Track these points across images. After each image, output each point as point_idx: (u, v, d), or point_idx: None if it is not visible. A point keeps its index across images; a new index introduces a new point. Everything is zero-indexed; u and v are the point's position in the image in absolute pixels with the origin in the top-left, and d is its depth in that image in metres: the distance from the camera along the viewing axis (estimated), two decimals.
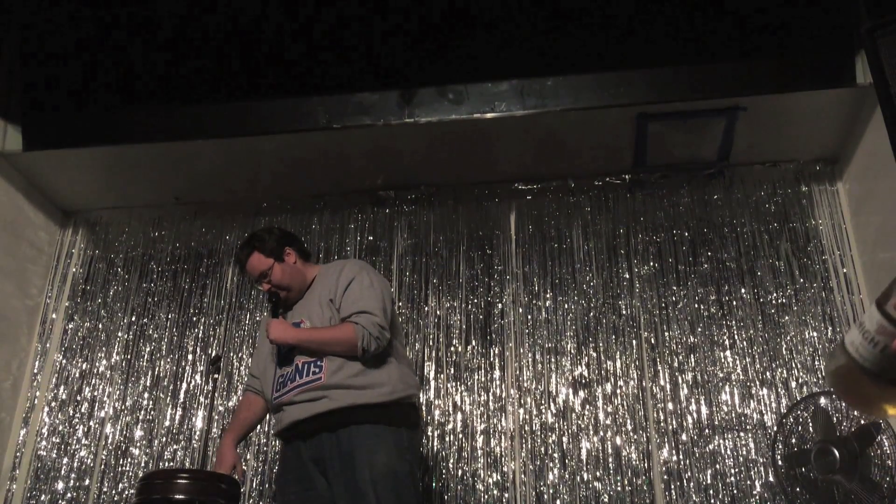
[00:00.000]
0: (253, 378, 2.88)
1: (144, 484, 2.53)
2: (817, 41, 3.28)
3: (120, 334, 3.90)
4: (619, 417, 3.41)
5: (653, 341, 3.55)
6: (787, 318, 3.50)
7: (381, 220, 4.01)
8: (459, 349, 3.64)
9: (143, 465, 3.59)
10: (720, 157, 3.79)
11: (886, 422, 2.81)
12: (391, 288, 3.39)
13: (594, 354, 3.55)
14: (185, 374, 3.77)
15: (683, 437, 3.35)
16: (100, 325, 3.94)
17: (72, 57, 3.63)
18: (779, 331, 3.48)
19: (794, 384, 3.37)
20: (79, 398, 3.77)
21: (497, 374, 3.57)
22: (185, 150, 3.75)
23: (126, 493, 3.53)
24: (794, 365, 3.41)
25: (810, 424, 2.99)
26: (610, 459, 3.34)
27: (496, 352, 3.62)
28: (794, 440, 3.03)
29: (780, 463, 3.05)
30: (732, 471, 3.27)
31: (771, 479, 3.19)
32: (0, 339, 3.71)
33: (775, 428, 3.17)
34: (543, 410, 3.46)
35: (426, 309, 3.74)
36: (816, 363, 3.39)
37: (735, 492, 3.23)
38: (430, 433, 3.47)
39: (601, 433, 3.39)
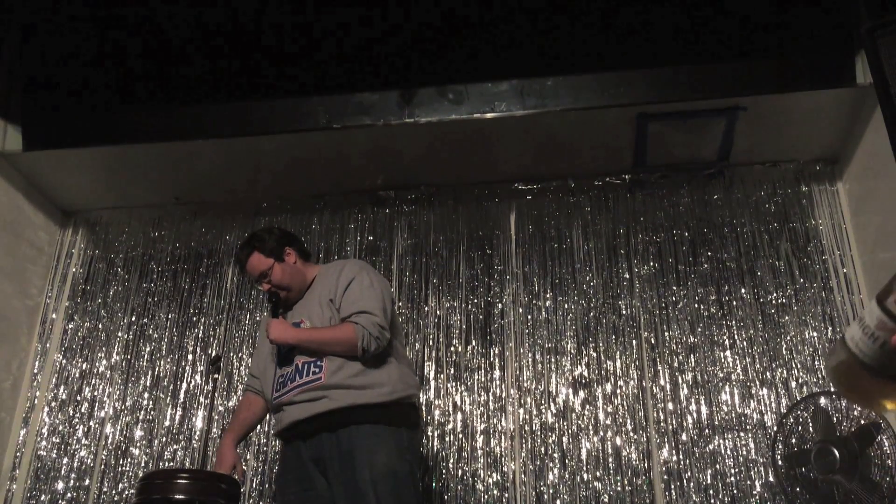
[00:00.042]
0: (253, 378, 2.88)
1: (144, 484, 2.53)
2: (817, 41, 3.28)
3: (120, 334, 3.90)
4: (619, 417, 3.41)
5: (653, 341, 3.55)
6: (787, 318, 3.50)
7: (381, 220, 4.01)
8: (459, 349, 3.64)
9: (143, 465, 3.59)
10: (720, 157, 3.79)
11: (886, 422, 2.82)
12: (391, 288, 3.39)
13: (594, 354, 3.55)
14: (185, 374, 3.77)
15: (683, 437, 3.35)
16: (100, 325, 3.94)
17: (72, 57, 3.63)
18: (779, 331, 3.48)
19: (794, 384, 3.37)
20: (79, 398, 3.77)
21: (497, 374, 3.57)
22: (185, 150, 3.75)
23: (126, 493, 3.53)
24: (794, 365, 3.41)
25: (810, 424, 2.99)
26: (610, 459, 3.34)
27: (496, 352, 3.62)
28: (794, 440, 3.03)
29: (780, 463, 3.05)
30: (732, 471, 3.27)
31: (771, 479, 3.19)
32: (0, 339, 3.71)
33: (775, 428, 3.17)
34: (543, 410, 3.46)
35: (426, 309, 3.74)
36: (816, 363, 3.39)
37: (735, 492, 3.23)
38: (430, 433, 3.47)
39: (601, 433, 3.39)
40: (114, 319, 3.94)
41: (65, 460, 3.64)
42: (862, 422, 2.82)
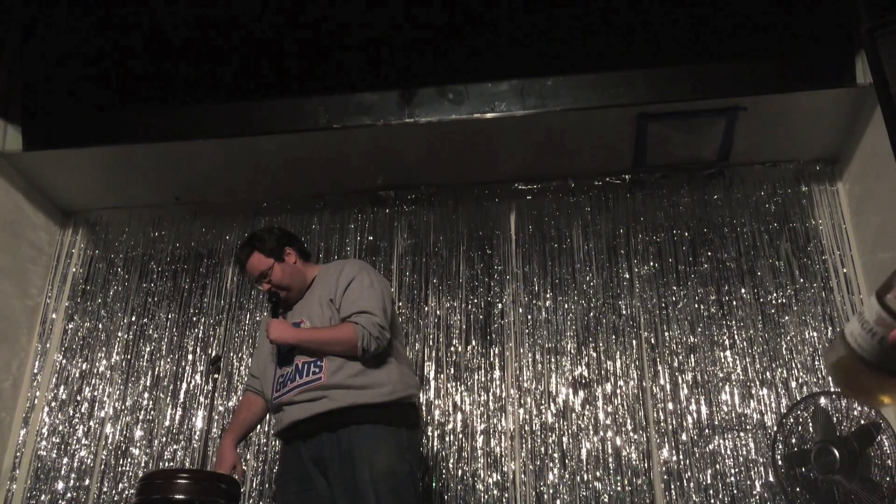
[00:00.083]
0: (253, 378, 2.88)
1: (144, 484, 2.53)
2: (817, 41, 3.28)
3: (120, 334, 3.90)
4: (619, 417, 3.41)
5: (653, 341, 3.55)
6: (787, 318, 3.50)
7: (381, 220, 4.01)
8: (459, 349, 3.64)
9: (143, 465, 3.59)
10: (720, 157, 3.79)
11: (886, 421, 2.82)
12: (391, 288, 3.39)
13: (594, 354, 3.55)
14: (185, 374, 3.77)
15: (683, 437, 3.34)
16: (100, 325, 3.94)
17: (71, 57, 3.63)
18: (779, 331, 3.48)
19: (794, 384, 3.37)
20: (79, 398, 3.77)
21: (497, 374, 3.57)
22: (185, 150, 3.75)
23: (126, 493, 3.53)
24: (794, 365, 3.40)
25: (810, 424, 2.99)
26: (610, 459, 3.34)
27: (496, 352, 3.62)
28: (794, 440, 3.03)
29: (780, 463, 3.05)
30: (732, 471, 3.27)
31: (771, 479, 3.19)
32: (0, 339, 3.71)
33: (775, 428, 3.17)
34: (543, 410, 3.46)
35: (426, 309, 3.74)
36: (816, 363, 3.38)
37: (735, 492, 3.23)
38: (430, 433, 3.47)
39: (601, 433, 3.39)
40: (114, 319, 3.94)
41: (65, 460, 3.64)
42: (862, 422, 2.82)
